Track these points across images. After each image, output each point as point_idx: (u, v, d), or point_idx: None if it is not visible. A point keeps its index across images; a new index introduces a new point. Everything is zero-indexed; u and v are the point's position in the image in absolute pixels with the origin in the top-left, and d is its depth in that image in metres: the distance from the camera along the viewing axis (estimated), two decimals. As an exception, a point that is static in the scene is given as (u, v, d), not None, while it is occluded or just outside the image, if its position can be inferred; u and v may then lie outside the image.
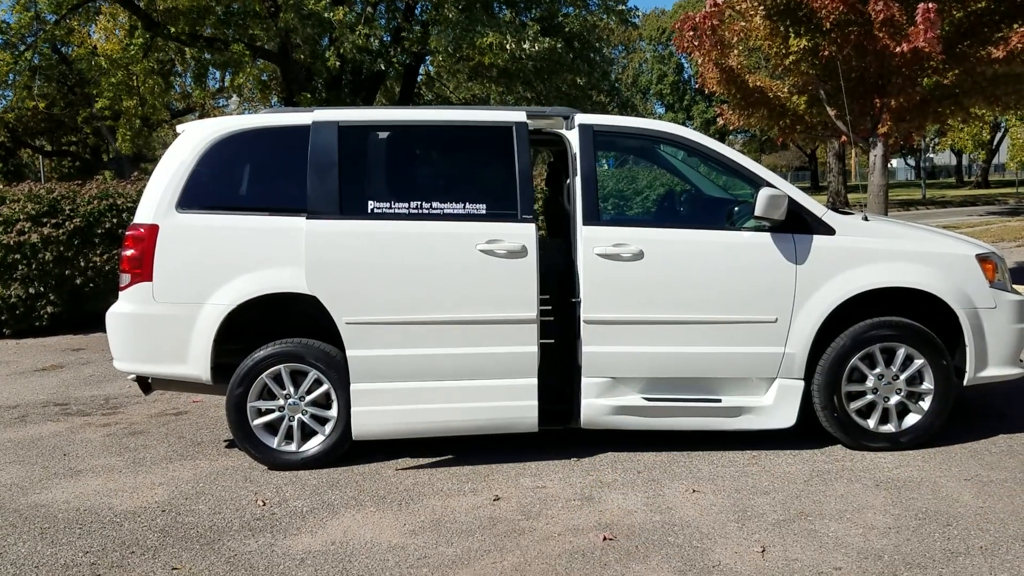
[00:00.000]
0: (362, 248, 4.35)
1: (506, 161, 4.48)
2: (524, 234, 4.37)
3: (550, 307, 4.75)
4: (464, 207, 4.42)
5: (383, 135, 4.61)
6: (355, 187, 4.43)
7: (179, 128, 4.91)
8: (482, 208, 4.42)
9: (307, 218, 4.36)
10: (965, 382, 4.64)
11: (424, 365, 4.38)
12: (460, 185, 4.58)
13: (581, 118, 4.65)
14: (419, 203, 4.40)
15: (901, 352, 4.56)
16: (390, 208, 4.39)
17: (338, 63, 15.11)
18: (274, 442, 4.53)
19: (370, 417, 4.41)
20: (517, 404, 4.43)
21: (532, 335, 4.38)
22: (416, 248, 4.36)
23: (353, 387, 4.39)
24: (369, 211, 4.38)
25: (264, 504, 4.09)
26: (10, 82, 18.12)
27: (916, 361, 4.57)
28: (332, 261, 4.35)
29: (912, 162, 57.02)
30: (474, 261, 4.34)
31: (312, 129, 4.47)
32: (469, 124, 4.60)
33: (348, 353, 4.36)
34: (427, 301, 4.35)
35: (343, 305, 4.34)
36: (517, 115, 4.56)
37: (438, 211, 4.40)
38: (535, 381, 4.41)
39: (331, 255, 4.35)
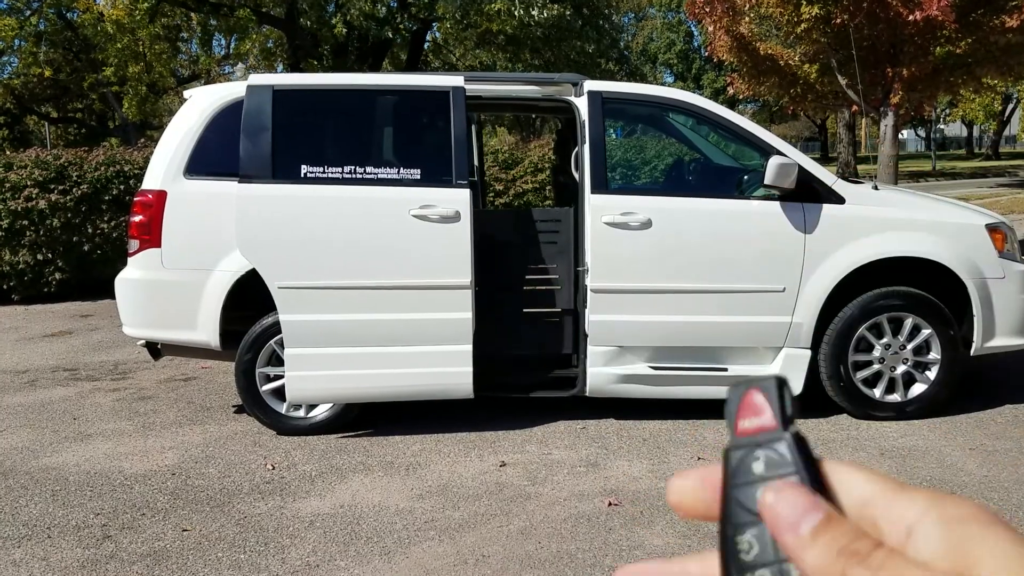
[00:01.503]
0: (294, 212, 4.29)
1: (442, 126, 4.43)
2: (458, 200, 4.30)
3: (556, 275, 4.76)
4: (398, 172, 4.36)
5: (318, 100, 4.55)
6: (288, 151, 4.36)
7: (186, 94, 4.89)
8: (416, 173, 4.36)
9: (239, 182, 4.30)
10: (972, 352, 4.64)
11: (358, 330, 4.33)
12: (395, 150, 4.55)
13: (590, 85, 4.61)
14: (353, 168, 4.33)
15: (908, 322, 4.56)
16: (323, 172, 4.32)
17: (344, 30, 14.99)
18: (283, 407, 4.57)
19: (304, 382, 4.35)
20: (452, 371, 4.36)
21: (466, 301, 4.31)
22: (349, 213, 4.30)
23: (287, 352, 4.33)
24: (302, 175, 4.31)
25: (273, 468, 4.13)
26: (16, 48, 18.03)
27: (923, 331, 4.56)
28: (263, 225, 4.28)
29: (922, 133, 56.49)
30: (407, 226, 4.28)
31: (246, 93, 4.40)
32: (405, 89, 4.55)
33: (281, 318, 4.28)
34: (360, 266, 4.29)
35: (275, 269, 4.27)
36: (454, 80, 4.48)
37: (372, 176, 4.34)
38: (470, 348, 4.35)
39: (262, 219, 4.28)
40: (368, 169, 4.34)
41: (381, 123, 4.72)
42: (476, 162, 6.32)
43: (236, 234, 4.29)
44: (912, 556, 0.31)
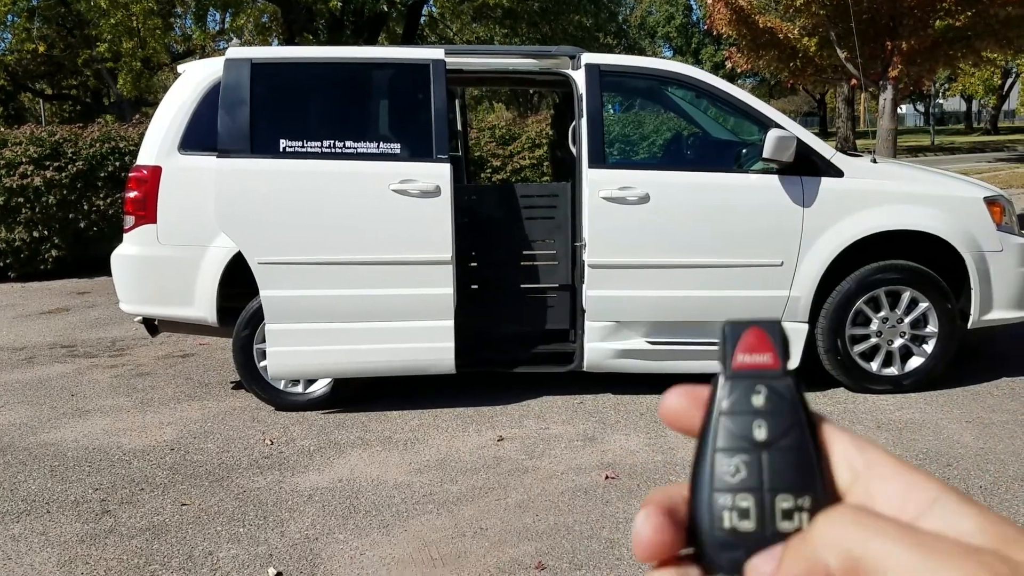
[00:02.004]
0: (273, 187, 4.26)
1: (422, 100, 4.38)
2: (438, 174, 4.26)
3: (553, 251, 4.75)
4: (378, 147, 4.32)
5: (297, 73, 4.50)
6: (267, 125, 4.32)
7: (180, 69, 4.84)
8: (397, 148, 4.33)
9: (217, 156, 4.26)
10: (969, 325, 4.64)
11: (340, 306, 4.31)
12: (375, 124, 4.49)
13: (588, 57, 4.57)
14: (333, 142, 4.29)
15: (906, 295, 4.56)
16: (303, 147, 4.28)
17: (339, 4, 14.84)
18: (280, 383, 4.57)
19: (285, 357, 4.33)
20: (433, 346, 4.35)
21: (448, 276, 4.29)
22: (329, 188, 4.27)
23: (268, 327, 4.30)
24: (281, 149, 4.27)
25: (272, 443, 4.14)
26: (9, 23, 17.84)
27: (921, 304, 4.56)
28: (242, 200, 4.26)
29: (921, 108, 56.22)
30: (387, 201, 4.25)
31: (224, 67, 4.36)
32: (385, 62, 4.51)
33: (262, 293, 4.27)
34: (341, 241, 4.26)
35: (255, 245, 4.24)
36: (435, 53, 4.44)
37: (351, 150, 4.30)
38: (451, 323, 4.33)
39: (241, 194, 4.25)
40: (348, 143, 4.30)
41: (361, 97, 4.64)
42: (461, 137, 6.28)
43: (215, 209, 4.26)
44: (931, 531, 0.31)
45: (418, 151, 4.35)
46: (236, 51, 4.44)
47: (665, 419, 0.40)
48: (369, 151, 4.31)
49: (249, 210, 4.24)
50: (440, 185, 4.24)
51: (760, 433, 0.35)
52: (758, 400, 0.36)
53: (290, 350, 4.32)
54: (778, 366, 0.36)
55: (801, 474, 0.35)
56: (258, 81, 4.32)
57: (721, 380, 0.37)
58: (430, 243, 4.27)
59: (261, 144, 4.27)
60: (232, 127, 4.27)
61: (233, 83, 4.30)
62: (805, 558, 0.32)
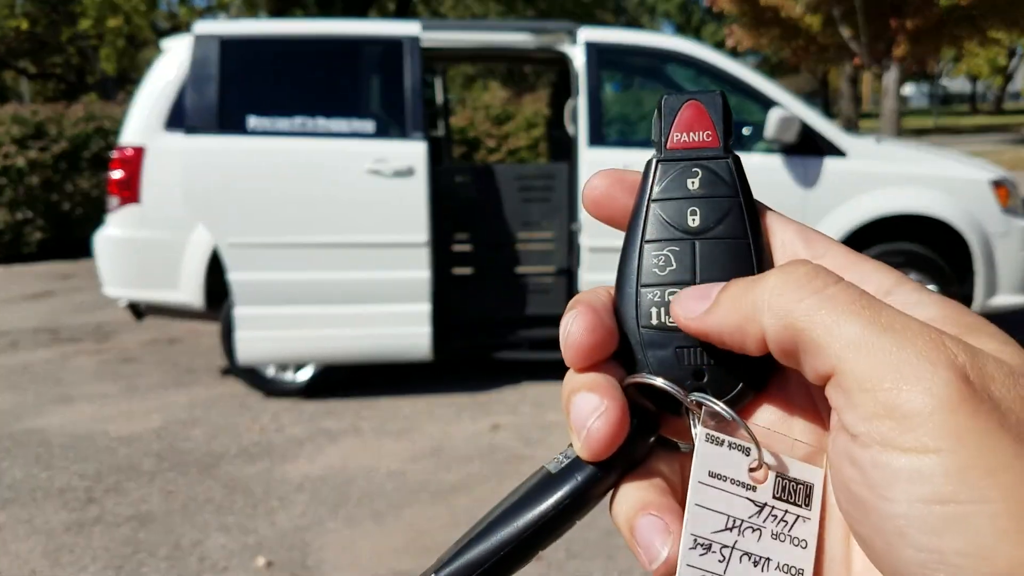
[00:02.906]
0: (242, 166, 4.12)
1: (396, 77, 4.25)
2: (413, 153, 4.14)
3: (550, 233, 4.64)
4: (351, 125, 4.19)
5: (268, 49, 4.35)
6: (235, 103, 4.17)
7: (164, 45, 4.70)
8: (370, 126, 4.21)
9: (185, 134, 4.13)
10: (974, 310, 4.56)
11: (311, 289, 4.19)
12: (347, 102, 4.32)
13: (585, 33, 4.43)
14: (304, 120, 4.16)
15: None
16: (273, 125, 4.14)
17: (330, -20, 14.58)
18: (270, 369, 4.46)
19: (255, 343, 4.21)
20: (409, 331, 4.24)
21: (424, 259, 4.18)
22: (300, 167, 4.15)
23: (236, 311, 4.17)
24: (250, 128, 4.13)
25: (261, 431, 4.04)
26: (-9, 0, 17.53)
27: (925, 288, 4.48)
28: (210, 179, 4.11)
29: (925, 88, 56.08)
30: (360, 182, 4.12)
31: (192, 42, 4.20)
32: (358, 38, 4.36)
33: (230, 276, 4.14)
34: (312, 223, 4.14)
35: (223, 226, 4.11)
36: (410, 28, 4.30)
37: (323, 129, 4.17)
38: (428, 307, 4.22)
39: (209, 173, 4.11)
40: (319, 122, 4.16)
41: (333, 74, 4.47)
42: (442, 115, 6.15)
43: (182, 189, 4.12)
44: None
45: (392, 129, 4.23)
46: (205, 26, 4.28)
47: (589, 205, 0.35)
48: (341, 129, 4.18)
49: (217, 190, 4.10)
50: (414, 165, 4.12)
51: (694, 220, 0.33)
52: (693, 184, 0.33)
53: (260, 335, 4.20)
54: (718, 144, 0.33)
55: (738, 265, 0.32)
56: (227, 57, 4.16)
57: (653, 162, 0.34)
58: (405, 224, 4.15)
59: (229, 122, 4.13)
60: (200, 104, 4.12)
61: (201, 58, 4.15)
62: (741, 312, 0.29)
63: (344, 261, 4.16)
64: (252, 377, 4.47)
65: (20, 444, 3.96)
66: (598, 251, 4.33)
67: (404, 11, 18.44)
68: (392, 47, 4.24)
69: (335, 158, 4.14)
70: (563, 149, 5.07)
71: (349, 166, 4.12)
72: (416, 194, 4.12)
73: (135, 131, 4.38)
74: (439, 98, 6.17)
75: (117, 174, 4.38)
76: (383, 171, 4.11)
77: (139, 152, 4.33)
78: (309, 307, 4.19)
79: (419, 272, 4.17)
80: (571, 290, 4.57)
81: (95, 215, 8.62)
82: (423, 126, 4.19)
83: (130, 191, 4.36)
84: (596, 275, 4.36)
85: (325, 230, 4.13)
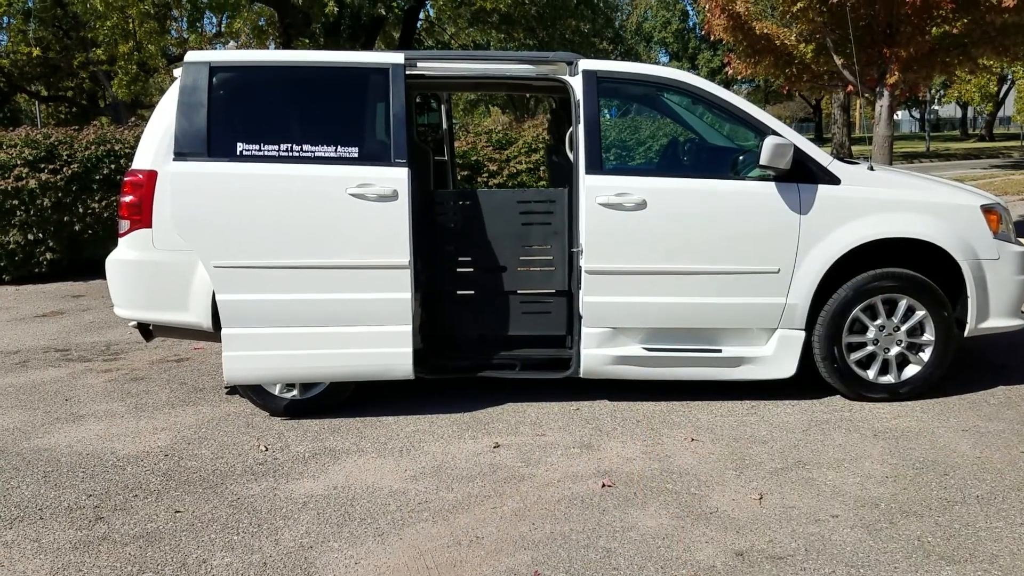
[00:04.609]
0: (229, 190, 4.24)
1: (380, 104, 4.39)
2: (396, 178, 4.26)
3: (550, 256, 4.73)
4: (336, 150, 4.31)
5: (256, 77, 4.49)
6: (224, 129, 4.29)
7: (176, 72, 4.82)
8: (354, 151, 4.32)
9: (174, 159, 4.25)
10: (966, 333, 4.64)
11: (296, 310, 4.29)
12: (332, 128, 4.43)
13: (585, 64, 4.56)
14: (290, 146, 4.28)
15: (903, 303, 4.55)
16: (260, 150, 4.27)
17: (336, 8, 14.83)
18: (275, 388, 4.55)
19: (241, 362, 4.32)
20: (391, 351, 4.34)
21: (405, 281, 4.28)
22: (285, 191, 4.25)
23: (224, 332, 4.30)
24: (238, 153, 4.26)
25: (266, 449, 4.12)
26: (4, 26, 17.81)
27: (917, 312, 4.56)
28: (198, 203, 4.23)
29: (916, 114, 56.37)
30: (345, 205, 4.24)
31: (182, 69, 4.36)
32: (344, 66, 4.48)
33: (218, 297, 4.26)
34: (298, 245, 4.25)
35: (210, 248, 4.23)
36: (394, 57, 4.44)
37: (309, 154, 4.29)
38: (409, 328, 4.33)
39: (197, 197, 4.23)
40: (305, 147, 4.29)
41: (319, 101, 4.58)
42: (447, 141, 6.28)
43: (171, 213, 4.26)
44: None
45: (376, 155, 4.35)
46: (195, 55, 4.43)
47: None
48: (327, 155, 4.30)
49: (205, 213, 4.23)
50: (397, 189, 4.24)
51: None
52: None
53: (246, 355, 4.31)
54: None
55: None
56: (216, 84, 4.31)
57: None
58: (388, 247, 4.26)
59: (218, 147, 4.26)
60: (189, 130, 4.26)
61: (191, 86, 4.30)
62: None
63: (328, 283, 4.28)
64: (258, 395, 4.56)
65: (29, 463, 4.03)
66: (596, 274, 4.43)
67: (409, 39, 18.69)
68: (378, 75, 4.39)
69: (319, 182, 4.26)
70: (563, 173, 5.18)
71: (333, 190, 4.24)
72: (399, 217, 4.24)
73: (147, 156, 4.49)
74: (444, 124, 6.30)
75: (128, 198, 4.49)
76: (367, 195, 4.23)
77: (151, 176, 4.44)
78: (294, 328, 4.31)
79: (401, 293, 4.28)
80: (571, 312, 4.66)
81: (106, 236, 8.75)
82: (406, 152, 4.32)
83: (141, 215, 4.46)
84: (595, 297, 4.45)
85: (310, 253, 4.25)
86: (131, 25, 16.46)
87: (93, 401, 4.98)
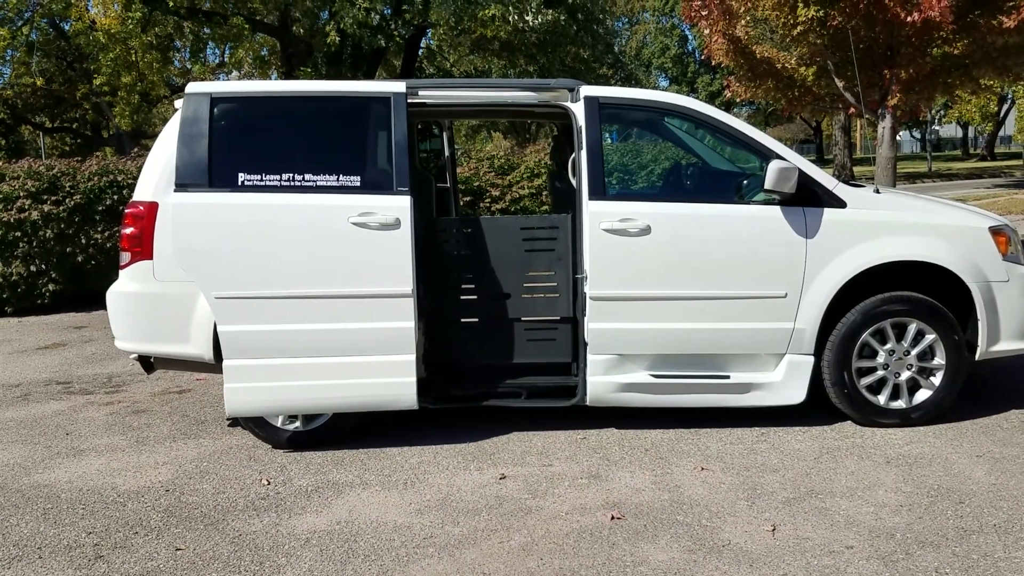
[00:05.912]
0: (231, 221, 4.21)
1: (382, 133, 4.38)
2: (398, 207, 4.23)
3: (554, 283, 4.70)
4: (338, 179, 4.29)
5: (256, 107, 4.47)
6: (225, 159, 4.27)
7: (177, 103, 4.82)
8: (356, 180, 4.30)
9: (175, 190, 4.23)
10: (977, 357, 4.57)
11: (298, 341, 4.24)
12: (334, 157, 4.41)
13: (587, 90, 4.55)
14: (292, 175, 4.27)
15: (912, 327, 4.49)
16: (261, 180, 4.25)
17: (338, 38, 14.93)
18: (277, 420, 4.49)
19: (243, 394, 4.27)
20: (395, 381, 4.29)
21: (408, 310, 4.24)
22: (287, 221, 4.23)
23: (225, 363, 4.25)
24: (239, 183, 4.24)
25: (268, 483, 4.06)
26: (8, 58, 17.97)
27: (927, 336, 4.50)
28: (200, 234, 4.21)
29: (917, 134, 56.52)
30: (347, 234, 4.20)
31: (183, 100, 4.35)
32: (345, 95, 4.47)
33: (219, 328, 4.22)
34: (300, 275, 4.21)
35: (212, 279, 4.20)
36: (396, 86, 4.43)
37: (311, 183, 4.27)
38: (413, 357, 4.27)
39: (199, 228, 4.21)
40: (307, 176, 4.27)
41: (320, 130, 4.54)
42: (449, 168, 6.26)
43: (172, 244, 4.23)
44: None
45: (378, 184, 4.32)
46: (196, 86, 4.43)
47: None
48: (328, 184, 4.27)
49: (206, 244, 4.20)
50: (400, 218, 4.21)
51: None
52: None
53: (247, 386, 4.26)
54: None
55: None
56: (217, 115, 4.30)
57: None
58: (390, 276, 4.22)
59: (219, 178, 4.24)
60: (190, 161, 4.24)
61: (192, 116, 4.29)
62: None
63: (331, 313, 4.23)
64: (260, 427, 4.50)
65: (28, 499, 3.97)
66: (601, 300, 4.38)
67: (411, 68, 18.80)
68: (379, 104, 4.37)
69: (321, 211, 4.23)
70: (566, 199, 5.16)
71: (335, 219, 4.21)
72: (401, 246, 4.21)
73: (148, 188, 4.47)
74: (446, 150, 6.29)
75: (129, 230, 4.47)
76: (369, 224, 4.20)
77: (152, 208, 4.42)
78: (296, 359, 4.25)
79: (404, 322, 4.24)
80: (576, 339, 4.61)
81: (108, 267, 8.72)
82: (408, 180, 4.29)
83: (142, 247, 4.44)
84: (600, 324, 4.40)
85: (312, 283, 4.21)
86: (134, 56, 16.58)
87: (94, 435, 4.93)
